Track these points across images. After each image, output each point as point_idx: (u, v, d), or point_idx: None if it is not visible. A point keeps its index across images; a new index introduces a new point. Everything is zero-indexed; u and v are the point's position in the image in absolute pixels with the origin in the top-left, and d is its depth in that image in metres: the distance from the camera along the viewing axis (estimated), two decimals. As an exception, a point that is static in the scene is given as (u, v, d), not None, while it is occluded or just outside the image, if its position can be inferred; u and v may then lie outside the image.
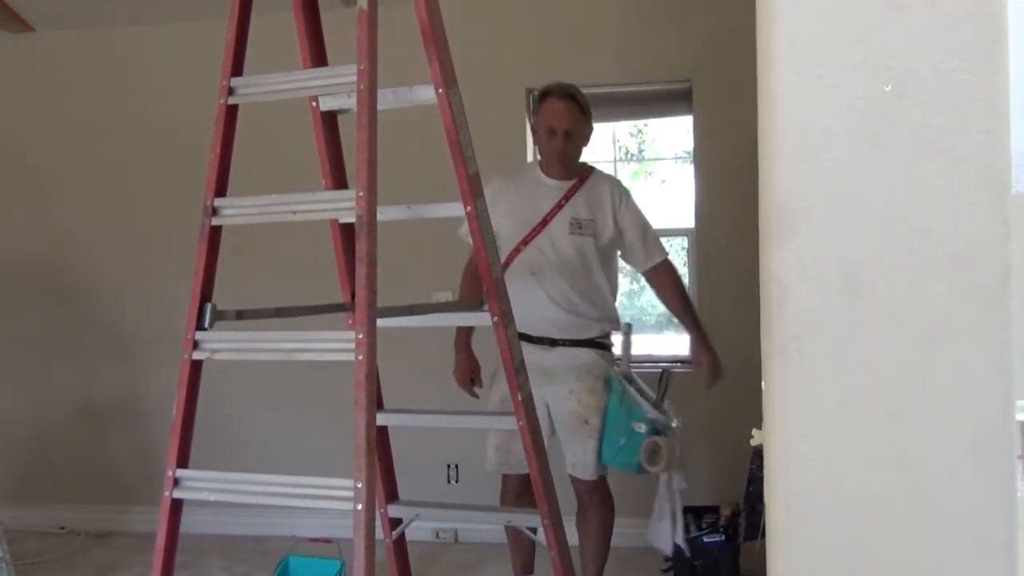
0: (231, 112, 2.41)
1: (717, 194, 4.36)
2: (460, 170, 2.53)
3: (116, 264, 4.90)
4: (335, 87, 2.46)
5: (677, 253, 6.70)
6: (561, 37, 4.43)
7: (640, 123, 5.94)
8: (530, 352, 3.09)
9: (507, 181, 3.50)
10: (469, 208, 2.54)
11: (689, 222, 4.59)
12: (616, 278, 3.58)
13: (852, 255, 1.20)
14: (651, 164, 6.77)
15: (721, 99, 4.29)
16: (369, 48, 2.22)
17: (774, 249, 1.23)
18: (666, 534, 3.43)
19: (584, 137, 3.50)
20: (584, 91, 3.49)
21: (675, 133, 5.38)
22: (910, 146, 1.18)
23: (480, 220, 2.55)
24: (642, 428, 3.28)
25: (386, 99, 2.45)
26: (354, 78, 2.23)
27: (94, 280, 4.95)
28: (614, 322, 3.52)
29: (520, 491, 3.41)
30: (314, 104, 2.63)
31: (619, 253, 3.55)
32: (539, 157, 3.55)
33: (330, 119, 2.67)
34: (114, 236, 4.90)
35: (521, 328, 2.93)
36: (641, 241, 3.49)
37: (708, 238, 4.43)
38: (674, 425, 3.35)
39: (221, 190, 2.40)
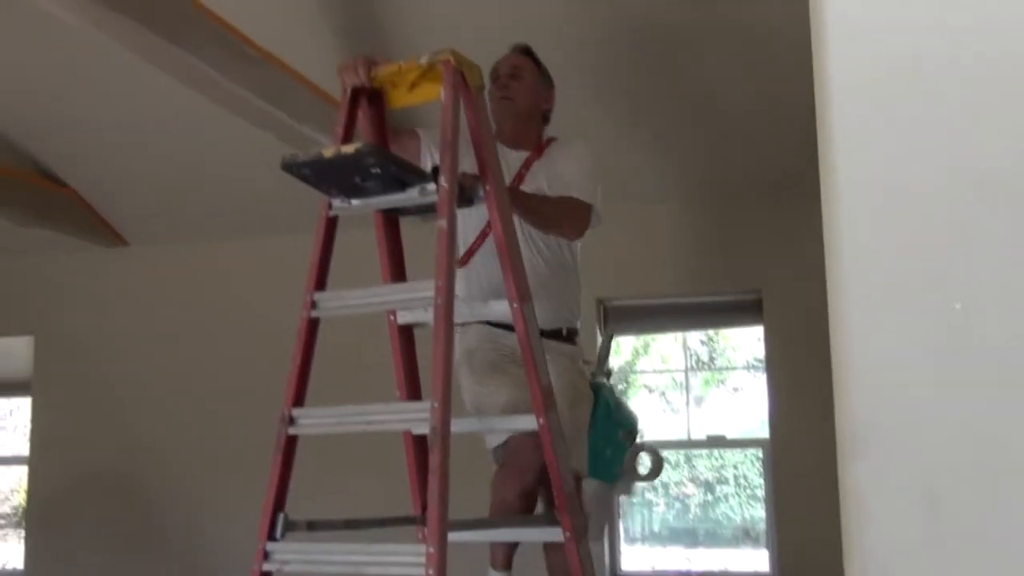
0: (312, 325, 2.49)
1: (791, 404, 4.31)
2: (533, 381, 2.55)
3: (190, 473, 4.97)
4: (413, 302, 2.54)
5: (752, 464, 6.54)
6: (633, 249, 4.54)
7: (711, 331, 5.98)
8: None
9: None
10: (542, 420, 2.54)
11: (764, 432, 4.52)
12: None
13: (931, 471, 1.18)
14: (723, 373, 6.75)
15: (791, 309, 4.31)
16: (447, 265, 2.30)
17: (850, 463, 1.21)
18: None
19: (536, 90, 3.11)
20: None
21: (747, 341, 5.39)
22: (984, 360, 1.18)
23: (552, 433, 2.54)
24: (627, 438, 3.06)
25: (462, 313, 2.51)
26: (431, 293, 2.30)
27: (166, 490, 5.01)
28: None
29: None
30: (392, 317, 2.71)
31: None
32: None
33: (406, 331, 2.73)
34: (190, 445, 5.00)
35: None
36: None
37: (784, 449, 4.34)
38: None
39: (299, 400, 2.45)
